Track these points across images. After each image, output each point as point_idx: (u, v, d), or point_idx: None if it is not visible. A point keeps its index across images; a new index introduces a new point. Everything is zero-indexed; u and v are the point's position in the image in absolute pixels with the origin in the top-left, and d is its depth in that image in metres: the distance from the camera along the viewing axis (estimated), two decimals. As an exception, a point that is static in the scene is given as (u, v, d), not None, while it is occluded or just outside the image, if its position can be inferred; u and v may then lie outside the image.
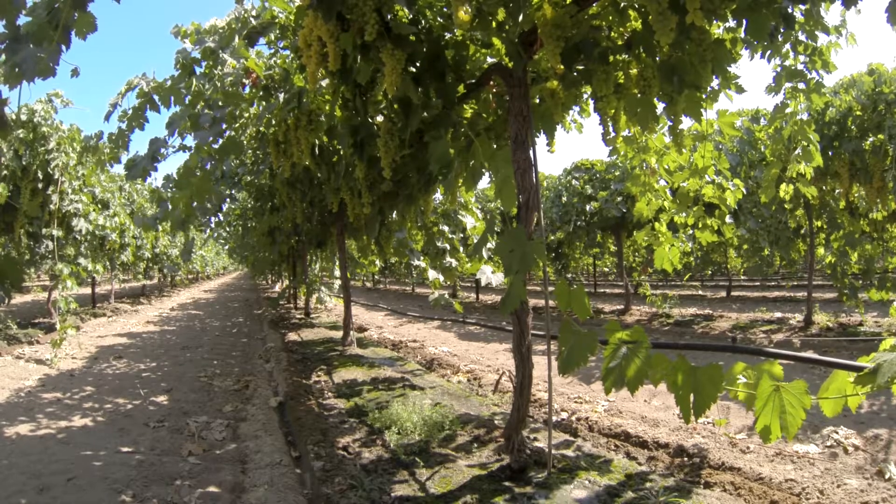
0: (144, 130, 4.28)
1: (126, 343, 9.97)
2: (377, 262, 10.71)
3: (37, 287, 23.28)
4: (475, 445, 4.03)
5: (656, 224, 5.13)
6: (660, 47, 2.38)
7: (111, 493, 3.60)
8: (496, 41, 3.14)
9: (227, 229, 15.30)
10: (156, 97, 4.16)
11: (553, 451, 3.54)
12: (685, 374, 2.39)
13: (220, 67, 4.09)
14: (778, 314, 10.82)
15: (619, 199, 11.66)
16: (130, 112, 4.19)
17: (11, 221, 8.82)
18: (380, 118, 4.05)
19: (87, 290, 18.24)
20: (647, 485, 3.29)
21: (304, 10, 3.12)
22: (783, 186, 5.46)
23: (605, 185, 12.41)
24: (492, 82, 3.35)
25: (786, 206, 8.90)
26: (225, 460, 4.27)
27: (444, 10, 3.03)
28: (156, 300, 21.12)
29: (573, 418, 4.93)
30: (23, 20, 2.00)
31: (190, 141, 4.32)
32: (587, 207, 12.44)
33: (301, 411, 5.09)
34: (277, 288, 26.84)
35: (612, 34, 2.59)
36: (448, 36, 3.23)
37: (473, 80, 3.41)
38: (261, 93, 5.38)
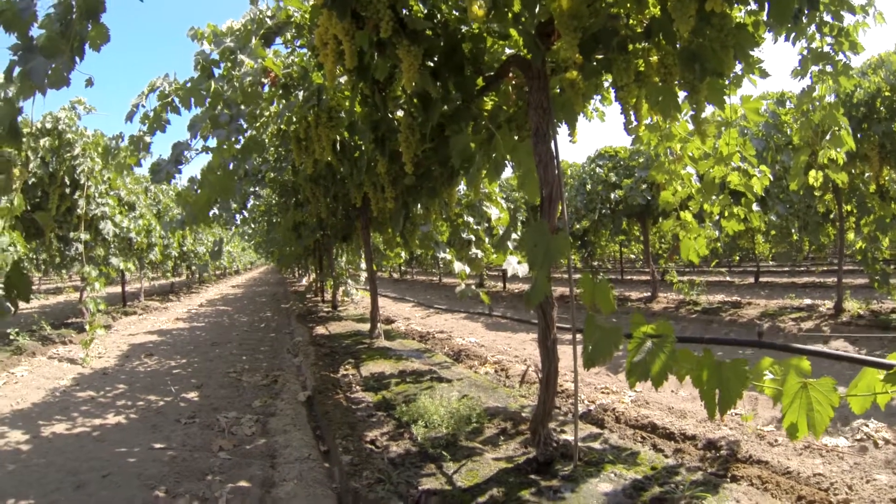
0: (166, 133, 4.32)
1: (156, 340, 10.12)
2: (403, 253, 10.75)
3: (69, 287, 23.70)
4: (502, 438, 4.03)
5: (682, 213, 5.06)
6: (680, 34, 2.35)
7: (145, 489, 3.68)
8: (513, 32, 3.11)
9: (253, 225, 15.44)
10: (176, 99, 4.20)
11: (580, 444, 3.53)
12: (710, 369, 2.38)
13: (238, 68, 4.11)
14: (807, 301, 10.63)
15: (644, 186, 11.55)
16: (151, 114, 4.23)
17: (41, 227, 8.99)
18: (400, 113, 4.06)
19: (118, 289, 18.54)
20: (674, 479, 3.26)
21: (318, 10, 3.13)
22: (812, 173, 5.34)
23: (630, 172, 12.30)
24: (511, 74, 3.33)
25: (815, 192, 8.74)
26: (254, 455, 4.32)
27: (460, 2, 3.02)
28: (185, 297, 21.38)
29: (600, 409, 4.91)
30: (36, 31, 2.04)
31: (212, 142, 4.37)
32: (612, 195, 12.36)
33: (329, 405, 5.12)
34: (304, 281, 27.04)
35: (631, 22, 2.55)
36: (465, 29, 3.21)
37: (492, 73, 3.39)
38: (280, 91, 5.42)
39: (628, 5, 2.55)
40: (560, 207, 2.98)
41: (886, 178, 7.83)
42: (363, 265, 12.33)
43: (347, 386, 5.82)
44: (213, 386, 6.43)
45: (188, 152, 4.15)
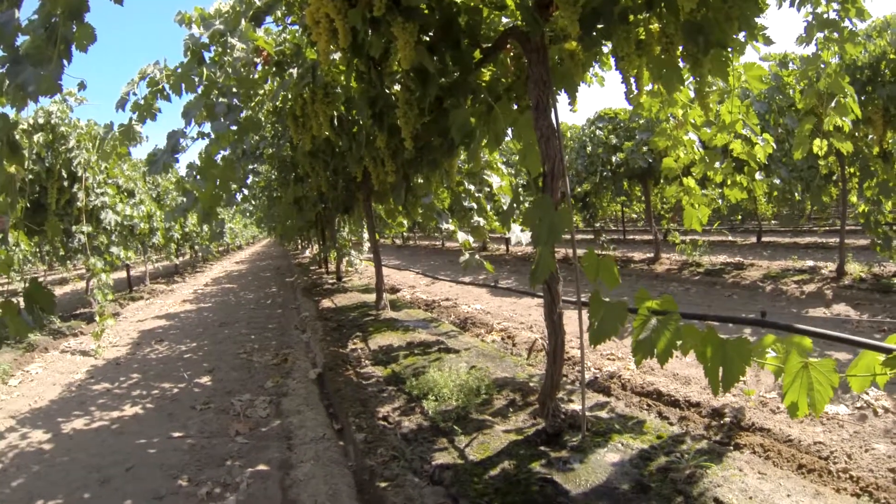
0: (156, 121, 4.26)
1: (165, 325, 10.15)
2: (405, 222, 10.72)
3: (75, 277, 23.63)
4: (511, 410, 4.06)
5: (685, 179, 5.02)
6: (682, 6, 2.30)
7: (168, 479, 3.73)
8: (510, 2, 3.05)
9: (254, 202, 15.38)
10: (166, 86, 4.14)
11: (587, 414, 3.56)
12: (714, 346, 2.40)
13: (229, 53, 4.04)
14: (809, 262, 10.58)
15: (645, 149, 11.42)
16: (142, 102, 4.18)
17: (42, 221, 8.97)
18: (397, 87, 4.00)
19: (123, 274, 18.54)
20: (680, 448, 3.30)
21: None
22: (817, 142, 5.27)
23: (630, 134, 12.16)
24: (508, 45, 3.28)
25: (818, 157, 8.65)
26: (271, 437, 4.37)
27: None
28: (190, 277, 21.37)
29: (606, 376, 4.94)
30: (21, 38, 1.98)
31: (208, 128, 4.31)
32: (613, 158, 12.25)
33: (340, 382, 5.15)
34: (308, 253, 27.03)
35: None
36: (460, 1, 3.14)
37: (489, 45, 3.33)
38: (273, 69, 5.34)
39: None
40: (562, 182, 2.95)
41: (890, 141, 7.72)
42: (366, 235, 12.32)
43: (357, 361, 5.85)
44: (225, 369, 6.47)
45: (184, 140, 4.11)
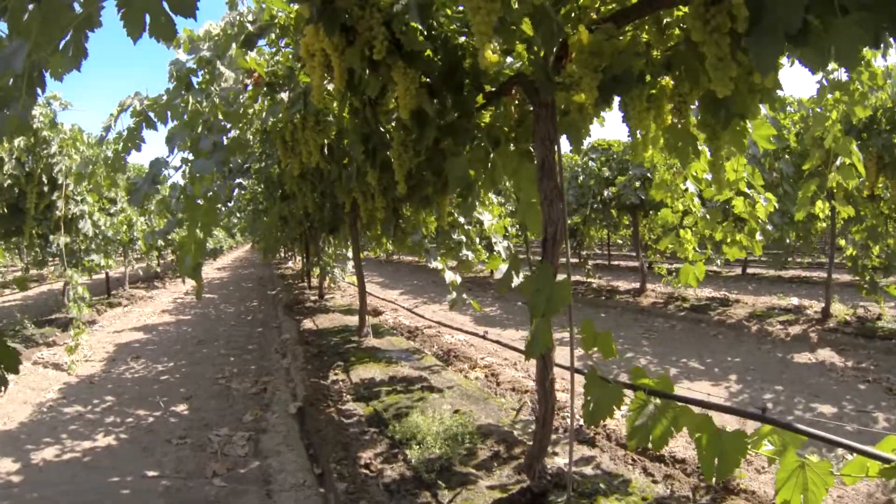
0: (141, 151, 4.08)
1: (143, 339, 9.90)
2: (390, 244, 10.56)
3: (51, 274, 23.18)
4: (495, 464, 3.93)
5: (682, 232, 4.93)
6: (704, 72, 2.17)
7: (138, 530, 3.54)
8: (520, 48, 2.91)
9: (239, 215, 15.16)
10: (151, 114, 3.97)
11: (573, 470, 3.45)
12: (710, 436, 2.37)
13: (217, 82, 3.87)
14: (794, 300, 10.57)
15: (638, 184, 11.36)
16: (125, 133, 4.00)
17: (20, 225, 8.74)
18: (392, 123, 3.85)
19: (102, 276, 18.20)
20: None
21: (303, 18, 2.90)
22: (819, 204, 5.21)
23: (623, 167, 12.08)
24: (513, 91, 3.14)
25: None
26: (249, 480, 4.19)
27: (453, 13, 2.81)
28: (170, 282, 21.03)
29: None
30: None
31: (190, 155, 4.13)
32: (605, 192, 12.16)
33: (321, 420, 4.98)
34: (290, 264, 26.77)
35: (653, 53, 2.35)
36: (462, 40, 3.00)
37: (493, 89, 3.18)
38: (264, 89, 5.17)
39: (650, 36, 2.36)
40: (563, 246, 2.81)
41: (880, 185, 7.72)
42: (350, 253, 12.15)
43: (338, 395, 5.68)
44: (203, 396, 6.26)
45: (166, 170, 3.93)
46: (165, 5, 1.67)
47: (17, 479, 4.39)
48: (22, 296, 17.35)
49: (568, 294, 2.56)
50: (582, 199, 12.65)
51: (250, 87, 5.01)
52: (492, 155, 3.41)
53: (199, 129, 3.82)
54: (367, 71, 2.91)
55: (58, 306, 12.22)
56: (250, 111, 6.05)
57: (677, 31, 2.30)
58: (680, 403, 2.57)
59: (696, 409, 2.55)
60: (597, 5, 2.38)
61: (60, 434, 5.28)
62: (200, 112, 3.83)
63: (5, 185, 7.82)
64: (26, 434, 5.30)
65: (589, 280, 14.55)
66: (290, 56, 5.01)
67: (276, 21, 4.31)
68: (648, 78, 2.42)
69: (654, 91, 2.51)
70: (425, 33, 2.65)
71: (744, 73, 2.07)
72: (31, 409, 6.01)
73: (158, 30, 1.70)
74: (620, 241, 23.61)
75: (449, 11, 2.76)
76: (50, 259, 11.21)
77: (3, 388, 2.22)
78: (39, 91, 1.88)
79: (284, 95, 4.88)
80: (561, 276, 2.60)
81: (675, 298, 11.42)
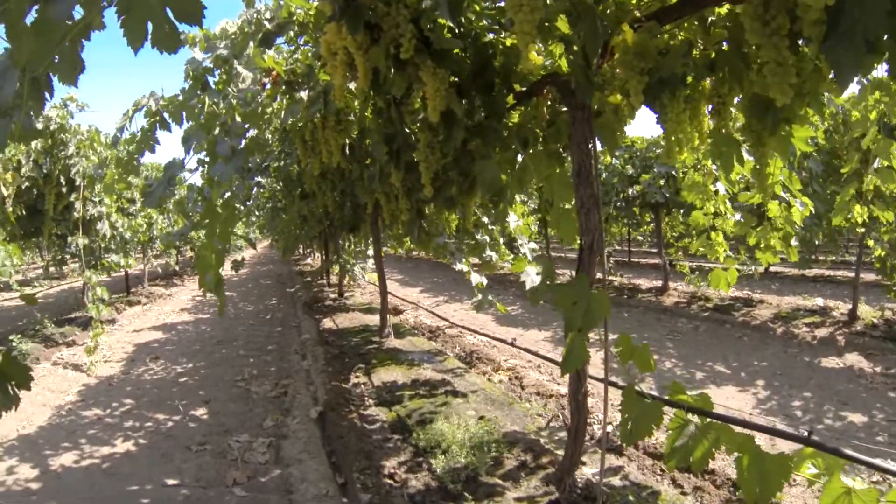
0: (155, 153, 3.96)
1: (161, 339, 9.86)
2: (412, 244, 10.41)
3: (72, 272, 23.26)
4: (523, 474, 3.82)
5: (714, 234, 4.76)
6: (749, 74, 2.02)
7: (157, 543, 3.45)
8: (553, 46, 2.75)
9: (257, 213, 15.05)
10: (166, 115, 3.86)
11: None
12: (752, 457, 2.25)
13: (234, 82, 3.74)
14: (819, 301, 10.25)
15: (662, 182, 11.12)
16: (139, 134, 3.89)
17: (39, 226, 8.75)
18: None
19: (121, 274, 18.22)
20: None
21: (323, 14, 2.76)
22: (857, 209, 5.00)
23: (647, 164, 11.83)
24: (545, 91, 2.99)
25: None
26: (270, 490, 4.09)
27: (491, 12, 2.66)
28: (189, 279, 21.00)
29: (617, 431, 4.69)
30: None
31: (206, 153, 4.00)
32: (629, 191, 11.92)
33: (343, 427, 4.87)
34: (309, 261, 26.70)
35: (694, 53, 2.19)
36: (492, 37, 2.84)
37: (524, 89, 3.02)
38: (282, 87, 5.04)
39: (691, 36, 2.20)
40: (600, 256, 2.67)
41: None
42: (371, 252, 12.04)
43: (360, 399, 5.58)
44: (222, 399, 6.17)
45: (182, 172, 3.80)
46: (169, 12, 1.52)
47: (36, 485, 4.32)
48: (42, 294, 17.39)
49: (606, 307, 2.43)
50: (605, 198, 12.42)
51: (268, 87, 4.89)
52: (521, 157, 3.27)
53: (217, 132, 3.69)
54: (393, 70, 2.78)
55: (78, 305, 12.21)
56: (269, 110, 5.95)
57: (719, 30, 2.14)
58: (719, 422, 2.44)
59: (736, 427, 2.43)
60: (637, 1, 2.22)
61: (79, 439, 5.21)
62: (217, 114, 3.70)
63: (24, 186, 7.81)
64: (45, 439, 5.25)
65: (610, 278, 14.34)
66: (310, 54, 4.89)
67: (295, 18, 4.19)
68: (689, 79, 2.26)
69: (690, 92, 2.36)
70: (455, 31, 2.49)
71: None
72: (50, 412, 5.96)
73: (161, 40, 1.54)
74: (640, 238, 23.29)
75: (478, 7, 2.61)
76: (69, 258, 11.18)
77: (13, 406, 2.13)
78: (48, 95, 1.77)
79: (304, 94, 4.74)
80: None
81: (698, 298, 11.19)
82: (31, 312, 11.29)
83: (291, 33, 4.37)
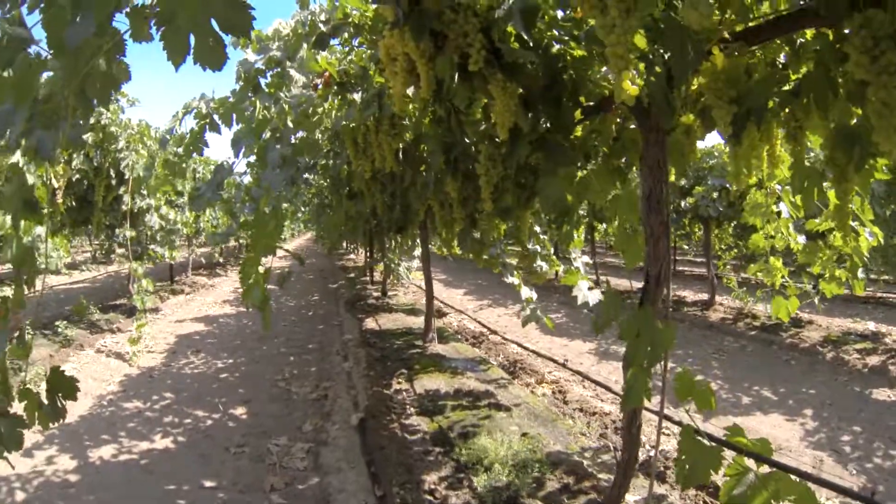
0: (203, 155, 3.91)
1: (203, 331, 9.92)
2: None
3: (119, 257, 23.61)
4: (565, 497, 3.69)
5: (773, 259, 4.55)
6: (836, 102, 1.85)
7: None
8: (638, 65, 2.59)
9: (303, 209, 15.10)
10: (216, 116, 3.79)
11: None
12: None
13: (286, 86, 3.65)
14: (871, 325, 9.80)
15: (716, 195, 10.77)
16: (188, 136, 3.84)
17: (88, 216, 8.89)
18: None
19: (166, 262, 18.44)
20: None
21: (382, 18, 2.62)
22: None
23: (700, 175, 11.49)
24: (615, 107, 2.83)
25: None
26: (307, 498, 4.03)
27: (567, 24, 2.51)
28: (231, 270, 21.18)
29: (662, 456, 4.52)
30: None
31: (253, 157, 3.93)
32: (682, 204, 11.60)
33: (384, 436, 4.78)
34: (352, 256, 26.75)
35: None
36: (559, 47, 2.69)
37: (591, 103, 2.86)
38: (334, 88, 4.95)
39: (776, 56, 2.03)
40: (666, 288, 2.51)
41: None
42: (417, 252, 11.93)
43: (401, 406, 5.48)
44: (262, 399, 6.13)
45: (230, 177, 3.73)
46: (214, 24, 1.36)
47: (75, 478, 4.33)
48: (90, 278, 17.71)
49: (671, 341, 2.28)
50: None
51: (320, 87, 4.81)
52: (583, 172, 3.13)
53: (267, 135, 3.61)
54: (457, 80, 2.65)
55: (123, 291, 12.37)
56: (319, 110, 5.86)
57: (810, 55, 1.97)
58: (780, 471, 2.28)
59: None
60: (728, 16, 2.06)
61: (119, 432, 5.22)
62: (268, 119, 3.61)
63: (74, 178, 7.93)
64: (85, 429, 5.27)
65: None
66: (364, 56, 4.79)
67: (350, 20, 4.08)
68: (770, 103, 2.09)
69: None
70: (527, 43, 2.34)
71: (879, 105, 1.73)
72: (91, 401, 6.00)
73: (205, 54, 1.38)
74: (686, 247, 22.81)
75: (548, 17, 2.47)
76: (117, 246, 11.35)
77: (61, 419, 2.08)
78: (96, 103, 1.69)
79: (357, 96, 4.65)
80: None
81: (745, 315, 10.84)
82: (78, 297, 11.46)
83: (346, 35, 4.27)
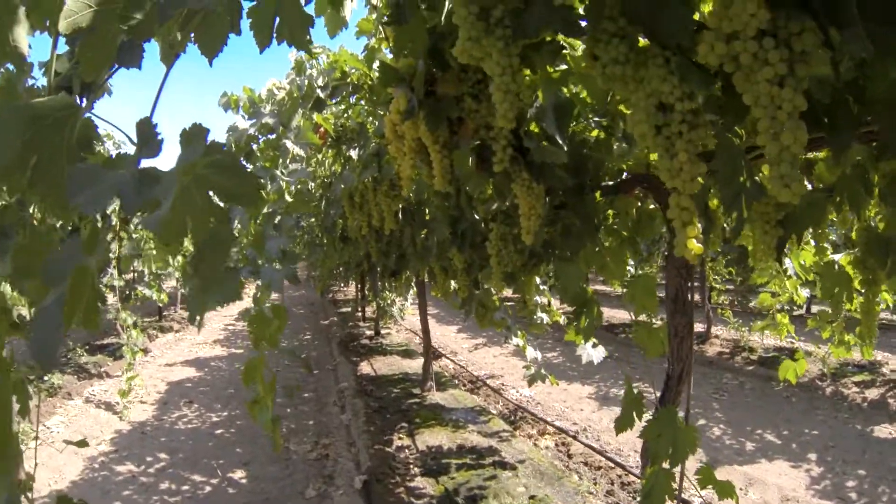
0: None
1: (194, 378, 9.71)
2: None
3: (106, 289, 23.14)
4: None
5: (779, 316, 4.50)
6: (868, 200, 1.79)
7: None
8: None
9: (294, 247, 14.89)
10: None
11: None
12: None
13: (283, 159, 3.52)
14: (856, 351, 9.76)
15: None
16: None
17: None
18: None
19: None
20: None
21: (387, 82, 2.40)
22: None
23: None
24: (636, 191, 2.74)
25: None
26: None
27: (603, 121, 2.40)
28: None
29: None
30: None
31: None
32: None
33: (390, 503, 4.66)
34: (343, 288, 26.44)
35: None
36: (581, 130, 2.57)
37: (609, 183, 2.75)
38: (329, 141, 4.82)
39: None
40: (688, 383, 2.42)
41: None
42: (410, 295, 11.78)
43: (405, 466, 5.35)
44: (261, 460, 5.95)
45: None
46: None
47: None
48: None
49: (694, 442, 2.20)
50: (653, 247, 12.11)
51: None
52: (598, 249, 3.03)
53: (262, 220, 3.45)
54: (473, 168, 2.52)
55: (110, 328, 12.12)
56: (313, 161, 5.75)
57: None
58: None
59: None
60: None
61: (114, 502, 5.04)
62: (265, 200, 3.47)
63: (58, 224, 7.75)
64: (78, 497, 5.06)
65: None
66: (361, 111, 4.67)
67: (349, 80, 3.98)
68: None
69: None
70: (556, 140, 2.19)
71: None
72: (82, 464, 5.81)
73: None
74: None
75: (582, 114, 2.37)
76: (104, 289, 11.14)
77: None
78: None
79: (354, 153, 4.52)
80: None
81: (742, 348, 10.77)
82: (67, 337, 11.22)
83: (344, 93, 4.14)
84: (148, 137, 1.00)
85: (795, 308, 11.15)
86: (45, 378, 8.08)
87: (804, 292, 4.46)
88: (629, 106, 1.50)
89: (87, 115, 1.63)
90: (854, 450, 6.31)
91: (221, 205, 1.07)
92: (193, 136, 0.97)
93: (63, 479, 5.40)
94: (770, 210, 1.74)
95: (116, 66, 1.21)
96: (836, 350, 4.22)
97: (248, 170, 1.11)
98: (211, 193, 1.12)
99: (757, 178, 1.51)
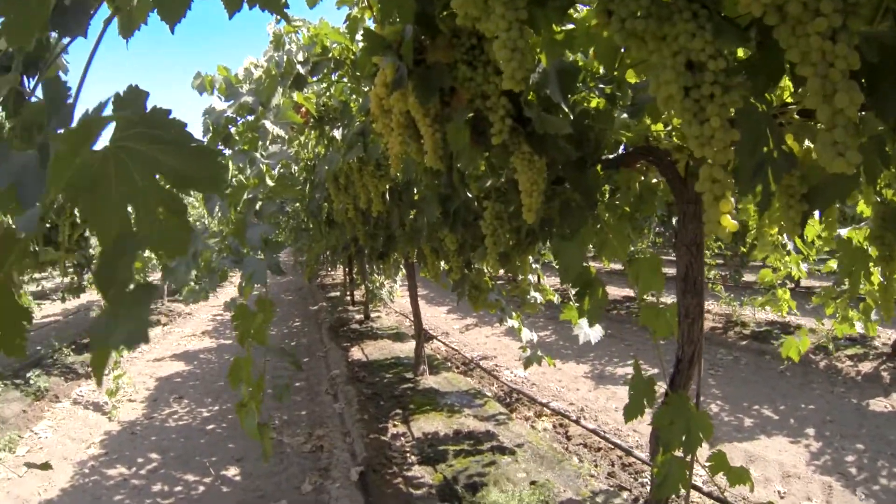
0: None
1: (184, 372, 9.51)
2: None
3: (89, 283, 22.70)
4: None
5: (780, 291, 4.39)
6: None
7: None
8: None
9: (279, 233, 14.69)
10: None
11: None
12: None
13: (262, 141, 3.33)
14: (859, 325, 9.70)
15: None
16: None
17: (53, 258, 8.49)
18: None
19: (139, 290, 17.80)
20: None
21: (369, 57, 2.19)
22: None
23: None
24: (637, 165, 2.59)
25: None
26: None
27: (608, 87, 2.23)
28: (209, 294, 20.63)
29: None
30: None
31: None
32: (674, 220, 11.52)
33: (388, 494, 4.54)
34: (331, 272, 26.24)
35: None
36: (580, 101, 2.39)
37: (610, 157, 2.59)
38: (311, 122, 4.62)
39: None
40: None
41: None
42: (399, 277, 11.65)
43: (401, 455, 5.23)
44: (254, 455, 5.76)
45: (203, 245, 3.38)
46: None
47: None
48: (61, 310, 17.04)
49: (709, 428, 2.07)
50: (644, 223, 12.04)
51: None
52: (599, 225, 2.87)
53: (243, 206, 3.27)
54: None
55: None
56: (295, 143, 5.54)
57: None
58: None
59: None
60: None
61: (105, 508, 4.89)
62: (245, 185, 3.28)
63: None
64: (67, 502, 4.93)
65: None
66: (344, 89, 4.49)
67: (331, 55, 3.79)
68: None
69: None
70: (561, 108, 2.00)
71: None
72: (72, 469, 5.62)
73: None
74: (661, 240, 22.52)
75: (592, 83, 2.19)
76: (87, 283, 10.90)
77: None
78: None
79: (337, 133, 4.32)
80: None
81: (734, 323, 10.71)
82: (49, 336, 10.95)
83: (326, 70, 3.94)
84: (57, 102, 0.80)
85: (787, 283, 11.08)
86: (32, 381, 7.88)
87: (804, 267, 4.36)
88: (648, 67, 1.35)
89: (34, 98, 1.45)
90: (851, 424, 6.25)
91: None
92: (128, 102, 0.76)
93: (53, 488, 5.22)
94: (795, 183, 1.59)
95: (55, 32, 1.03)
96: (839, 326, 4.13)
97: (207, 147, 0.85)
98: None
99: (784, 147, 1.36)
